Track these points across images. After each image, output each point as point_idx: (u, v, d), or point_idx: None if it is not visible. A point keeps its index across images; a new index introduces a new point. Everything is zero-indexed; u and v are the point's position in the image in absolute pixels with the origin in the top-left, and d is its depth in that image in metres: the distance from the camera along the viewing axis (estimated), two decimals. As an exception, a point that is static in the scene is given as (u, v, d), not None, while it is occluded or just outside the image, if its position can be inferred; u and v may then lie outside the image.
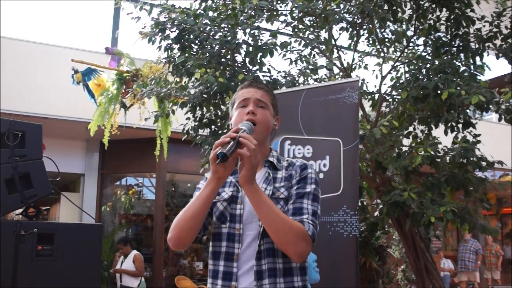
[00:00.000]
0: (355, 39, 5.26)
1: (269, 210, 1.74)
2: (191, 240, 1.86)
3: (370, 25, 5.17)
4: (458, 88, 4.13)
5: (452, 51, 4.91)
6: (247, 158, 1.68)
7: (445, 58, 4.65)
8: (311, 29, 5.45)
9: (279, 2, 5.24)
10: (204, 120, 5.12)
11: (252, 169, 1.71)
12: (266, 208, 1.74)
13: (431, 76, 4.45)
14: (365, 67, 5.73)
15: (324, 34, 5.52)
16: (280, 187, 1.89)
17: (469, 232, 4.31)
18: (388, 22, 5.04)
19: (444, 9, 4.88)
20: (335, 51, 5.35)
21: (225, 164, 1.72)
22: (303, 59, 5.25)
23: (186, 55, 4.84)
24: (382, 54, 5.50)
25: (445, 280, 10.67)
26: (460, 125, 4.55)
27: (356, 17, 5.02)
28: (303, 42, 5.25)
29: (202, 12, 5.03)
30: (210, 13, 5.11)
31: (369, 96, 5.55)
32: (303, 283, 1.87)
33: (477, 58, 4.83)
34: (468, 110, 4.54)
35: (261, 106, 1.96)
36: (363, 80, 5.46)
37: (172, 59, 4.93)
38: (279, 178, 1.93)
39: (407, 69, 5.17)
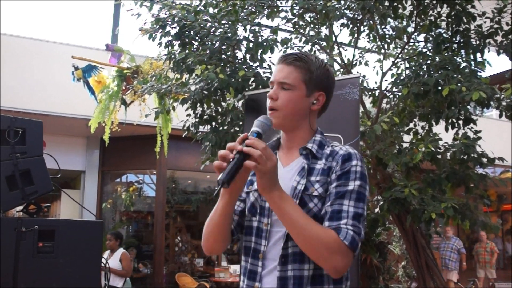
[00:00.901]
0: (355, 35, 5.26)
1: (294, 222, 1.50)
2: (223, 247, 1.73)
3: (371, 22, 5.16)
4: (459, 84, 4.12)
5: (453, 47, 4.91)
6: (255, 168, 1.44)
7: (446, 54, 4.64)
8: (312, 25, 5.44)
9: (279, -2, 5.24)
10: (205, 117, 5.11)
11: (266, 176, 1.47)
12: (290, 221, 1.50)
13: (432, 72, 4.44)
14: (366, 64, 5.73)
15: (324, 31, 5.51)
16: (315, 182, 1.61)
17: (470, 228, 4.30)
18: (388, 19, 5.03)
19: (445, 5, 4.87)
20: (336, 47, 5.35)
21: (233, 183, 1.48)
22: (304, 55, 5.22)
23: (187, 51, 4.83)
24: (382, 51, 5.50)
25: (446, 277, 10.66)
26: (460, 122, 4.55)
27: (356, 13, 5.01)
28: (303, 39, 5.24)
29: (202, 8, 5.02)
30: (211, 10, 5.10)
31: (370, 93, 5.55)
32: None
33: (478, 55, 4.82)
34: (468, 107, 4.53)
35: (284, 88, 1.68)
36: (364, 76, 5.45)
37: (173, 56, 4.92)
38: (317, 169, 1.64)
39: (407, 65, 5.16)
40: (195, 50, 4.93)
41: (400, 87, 4.77)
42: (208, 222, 1.69)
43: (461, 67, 4.53)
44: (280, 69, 1.71)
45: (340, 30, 5.25)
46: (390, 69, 5.26)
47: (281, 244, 1.60)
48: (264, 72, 4.87)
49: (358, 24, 5.12)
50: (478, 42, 4.88)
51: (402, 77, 4.95)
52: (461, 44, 4.89)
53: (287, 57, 1.72)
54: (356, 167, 1.60)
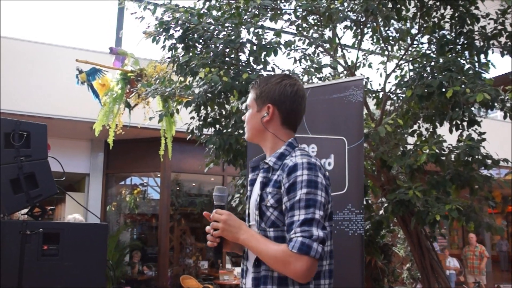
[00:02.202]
0: (359, 37, 5.25)
1: (257, 252, 1.73)
2: None
3: (374, 24, 5.16)
4: (463, 86, 4.11)
5: (457, 49, 4.90)
6: (218, 234, 1.80)
7: (450, 56, 4.63)
8: (315, 27, 5.44)
9: (283, 1, 5.23)
10: (209, 119, 5.12)
11: (224, 233, 1.78)
12: (255, 252, 1.74)
13: (436, 74, 4.43)
14: (370, 66, 5.72)
15: (328, 33, 5.50)
16: (269, 193, 1.77)
17: (474, 230, 4.29)
18: (392, 20, 5.02)
19: (449, 7, 4.86)
20: (339, 49, 5.34)
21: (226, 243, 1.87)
22: (307, 57, 5.23)
23: (190, 54, 4.84)
24: (386, 53, 5.49)
25: (451, 279, 10.60)
26: (465, 123, 4.54)
27: (360, 15, 5.01)
28: (307, 41, 5.24)
29: (206, 11, 5.03)
30: (214, 13, 5.11)
31: (374, 95, 5.54)
32: None
33: (482, 56, 4.81)
34: (473, 108, 4.52)
35: (247, 109, 2.00)
36: (368, 78, 5.45)
37: (176, 59, 4.93)
38: (273, 180, 1.79)
39: (411, 67, 5.15)
40: (198, 53, 4.95)
41: (404, 89, 4.77)
42: None
43: (465, 68, 4.52)
44: None
45: (344, 32, 5.25)
46: (393, 71, 5.26)
47: None
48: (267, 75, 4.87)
49: (361, 26, 5.11)
50: (482, 43, 4.87)
51: (406, 79, 4.94)
52: (465, 46, 4.88)
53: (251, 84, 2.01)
54: (302, 176, 1.69)
